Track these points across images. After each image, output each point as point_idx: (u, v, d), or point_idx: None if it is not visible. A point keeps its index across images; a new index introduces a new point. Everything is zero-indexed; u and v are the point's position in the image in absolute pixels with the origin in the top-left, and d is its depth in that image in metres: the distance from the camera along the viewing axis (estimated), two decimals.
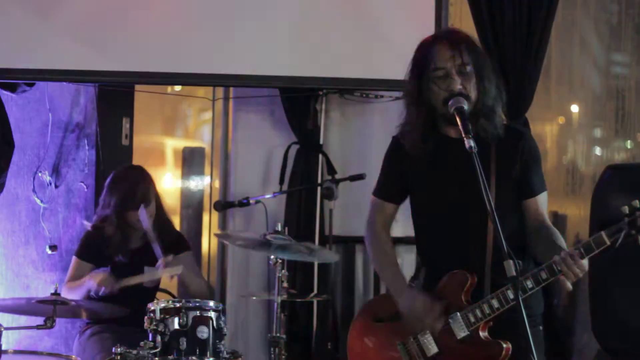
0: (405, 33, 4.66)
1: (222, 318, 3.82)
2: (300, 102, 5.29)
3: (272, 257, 4.27)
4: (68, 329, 5.01)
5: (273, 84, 4.96)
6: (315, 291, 5.15)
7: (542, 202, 3.26)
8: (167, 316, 3.73)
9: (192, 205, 6.22)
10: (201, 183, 6.16)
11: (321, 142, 5.38)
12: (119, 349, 3.69)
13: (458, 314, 3.15)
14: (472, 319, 3.13)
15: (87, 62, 4.68)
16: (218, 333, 3.79)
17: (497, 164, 3.20)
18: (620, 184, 4.40)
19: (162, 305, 3.77)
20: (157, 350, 3.68)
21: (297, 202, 5.30)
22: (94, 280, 4.29)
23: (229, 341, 4.04)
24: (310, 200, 5.31)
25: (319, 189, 5.28)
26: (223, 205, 5.36)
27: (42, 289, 4.93)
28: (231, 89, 5.55)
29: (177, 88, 5.78)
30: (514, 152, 3.23)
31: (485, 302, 3.11)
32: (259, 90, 5.35)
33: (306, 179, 5.31)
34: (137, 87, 5.35)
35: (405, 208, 3.41)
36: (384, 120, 5.17)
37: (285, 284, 4.33)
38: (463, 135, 2.98)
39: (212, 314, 3.79)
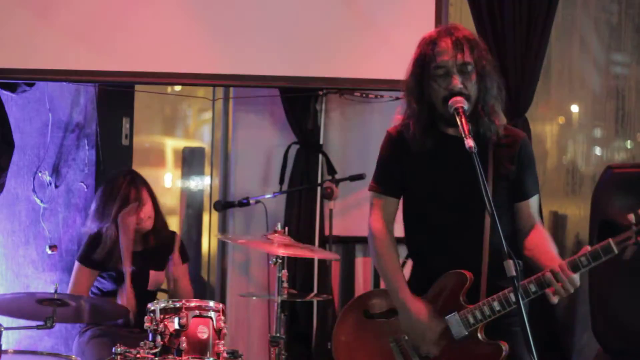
0: (405, 33, 4.66)
1: (222, 318, 3.83)
2: (300, 102, 5.29)
3: (272, 257, 4.28)
4: (68, 329, 5.01)
5: (273, 84, 4.96)
6: (315, 291, 5.14)
7: (535, 205, 3.28)
8: (167, 316, 3.73)
9: (192, 205, 6.22)
10: (201, 183, 6.16)
11: (321, 142, 5.38)
12: (119, 349, 3.70)
13: (457, 314, 3.15)
14: (472, 320, 3.12)
15: (87, 62, 4.68)
16: (218, 333, 3.79)
17: (495, 164, 3.20)
18: (620, 184, 4.40)
19: (162, 305, 3.77)
20: (157, 350, 3.68)
21: (297, 202, 5.30)
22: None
23: (229, 341, 4.04)
24: (310, 200, 5.31)
25: (319, 189, 5.28)
26: (223, 205, 5.36)
27: (42, 289, 4.93)
28: (231, 89, 5.55)
29: (177, 88, 5.78)
30: (512, 154, 3.23)
31: (486, 304, 3.11)
32: (259, 90, 5.35)
33: (306, 179, 5.31)
34: (137, 87, 5.35)
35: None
36: (384, 120, 5.15)
37: (285, 284, 4.33)
38: (463, 135, 2.96)
39: (212, 314, 3.79)
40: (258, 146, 5.49)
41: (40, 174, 5.12)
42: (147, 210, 4.50)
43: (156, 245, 4.56)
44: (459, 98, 3.09)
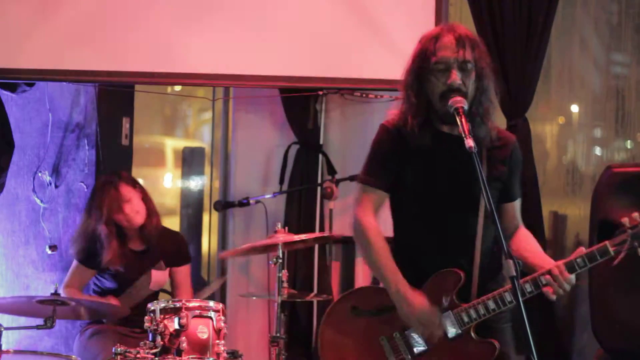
0: (405, 33, 4.66)
1: (222, 318, 3.83)
2: (300, 102, 5.29)
3: (272, 257, 4.28)
4: (68, 328, 5.01)
5: (273, 84, 4.96)
6: (315, 291, 5.14)
7: (519, 207, 3.34)
8: (167, 316, 3.73)
9: (192, 205, 6.22)
10: (201, 183, 6.16)
11: (321, 142, 5.38)
12: (119, 349, 3.70)
13: (451, 312, 3.15)
14: (466, 319, 3.13)
15: (87, 62, 4.68)
16: (218, 333, 3.79)
17: (488, 166, 3.21)
18: (620, 184, 4.40)
19: (162, 305, 3.78)
20: (157, 350, 3.68)
21: (297, 202, 5.30)
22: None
23: (229, 341, 4.04)
24: (310, 200, 5.31)
25: (319, 189, 5.28)
26: (223, 205, 5.36)
27: (42, 289, 4.93)
28: (231, 89, 5.55)
29: (177, 88, 5.78)
30: (504, 156, 3.25)
31: (481, 303, 3.12)
32: (259, 90, 5.35)
33: (306, 179, 5.31)
34: (137, 87, 5.35)
35: None
36: (384, 120, 5.17)
37: (285, 284, 4.33)
38: (463, 135, 2.96)
39: (212, 314, 3.79)
40: (258, 146, 5.49)
41: (40, 174, 5.12)
42: (134, 205, 4.50)
43: (157, 245, 4.57)
44: (459, 98, 3.08)
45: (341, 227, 5.26)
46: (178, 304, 3.76)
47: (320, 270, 5.28)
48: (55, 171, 5.16)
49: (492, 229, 2.97)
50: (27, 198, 5.12)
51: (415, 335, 3.17)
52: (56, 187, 5.16)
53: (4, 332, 3.67)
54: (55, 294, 3.76)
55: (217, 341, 3.78)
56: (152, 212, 4.58)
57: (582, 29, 5.51)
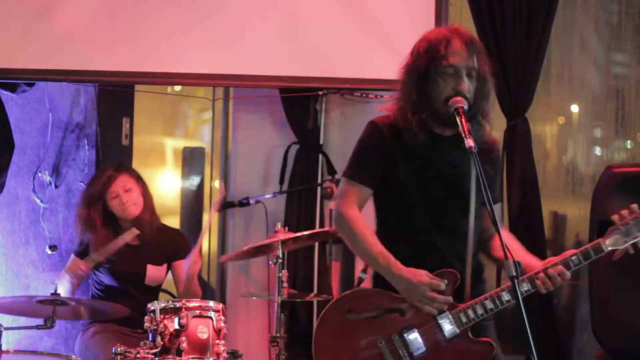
0: (405, 33, 4.65)
1: (222, 318, 3.83)
2: (300, 102, 5.28)
3: (272, 257, 4.29)
4: (68, 329, 5.01)
5: (273, 84, 4.96)
6: (315, 291, 5.14)
7: (499, 211, 3.43)
8: (167, 316, 3.74)
9: (192, 205, 6.22)
10: (201, 183, 6.16)
11: (321, 142, 5.37)
12: (119, 349, 3.70)
13: (449, 312, 3.14)
14: (464, 319, 3.13)
15: (87, 62, 4.68)
16: (218, 333, 3.79)
17: (476, 165, 3.15)
18: (620, 184, 4.40)
19: (162, 305, 3.78)
20: (157, 350, 3.68)
21: (297, 202, 5.30)
22: (68, 271, 4.39)
23: (229, 341, 4.04)
24: (310, 200, 5.31)
25: (319, 189, 5.28)
26: (223, 205, 5.36)
27: (42, 289, 4.93)
28: (231, 89, 5.54)
29: (177, 88, 5.78)
30: (490, 159, 3.28)
31: (478, 303, 3.13)
32: (259, 90, 5.34)
33: (306, 179, 5.31)
34: (137, 87, 5.35)
35: None
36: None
37: (285, 284, 4.33)
38: (463, 135, 2.98)
39: (212, 314, 3.79)
40: (258, 146, 5.49)
41: (40, 174, 5.12)
42: (133, 196, 4.52)
43: (154, 240, 4.57)
44: (459, 98, 3.09)
45: None
46: (178, 304, 3.76)
47: (320, 270, 5.28)
48: (55, 171, 5.16)
49: (479, 230, 3.11)
50: (27, 198, 5.12)
51: (414, 338, 3.15)
52: (56, 187, 5.16)
53: (4, 332, 3.67)
54: (55, 294, 3.76)
55: (217, 341, 3.78)
56: (149, 208, 4.59)
57: (582, 29, 5.52)
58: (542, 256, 4.83)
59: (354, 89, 5.22)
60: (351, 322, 3.18)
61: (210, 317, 3.78)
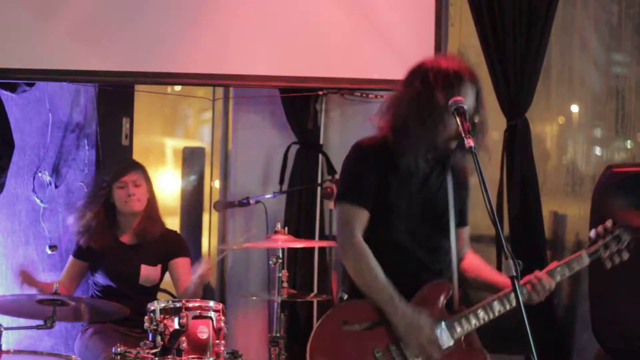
0: (405, 33, 4.67)
1: (222, 318, 3.83)
2: (300, 102, 5.29)
3: (272, 257, 4.29)
4: (68, 329, 5.01)
5: (273, 84, 4.96)
6: (315, 291, 5.15)
7: (468, 232, 3.49)
8: (167, 316, 3.74)
9: (192, 205, 6.22)
10: (201, 183, 6.16)
11: (321, 142, 5.38)
12: (119, 349, 3.70)
13: (444, 323, 3.18)
14: (459, 329, 3.18)
15: (87, 62, 4.68)
16: (218, 333, 3.79)
17: (454, 187, 3.32)
18: (620, 184, 4.40)
19: (162, 305, 3.78)
20: (157, 350, 3.68)
21: (297, 202, 5.30)
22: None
23: (229, 341, 4.04)
24: (310, 200, 5.31)
25: (319, 189, 5.28)
26: (223, 205, 5.36)
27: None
28: (231, 89, 5.55)
29: (177, 88, 5.78)
30: (464, 181, 3.38)
31: (471, 313, 3.19)
32: (259, 90, 5.35)
33: (306, 179, 5.31)
34: (137, 87, 5.35)
35: None
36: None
37: (285, 284, 4.33)
38: (463, 135, 3.00)
39: (212, 314, 3.79)
40: (258, 146, 5.49)
41: (40, 174, 5.12)
42: (140, 192, 4.54)
43: (150, 240, 4.57)
44: (459, 98, 3.11)
45: None
46: (178, 304, 3.76)
47: (320, 270, 5.28)
48: (55, 171, 5.16)
49: (459, 246, 3.29)
50: (27, 198, 5.12)
51: (410, 346, 3.17)
52: (56, 187, 5.16)
53: (4, 332, 3.67)
54: (56, 293, 3.76)
55: (217, 341, 3.78)
56: (154, 212, 4.61)
57: (582, 29, 5.51)
58: (542, 256, 4.87)
59: (354, 89, 5.23)
60: (347, 333, 3.17)
61: (210, 317, 3.78)
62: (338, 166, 5.29)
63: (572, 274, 3.31)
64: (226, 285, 5.54)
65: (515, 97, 4.86)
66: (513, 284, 2.76)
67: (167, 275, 4.68)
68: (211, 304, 3.84)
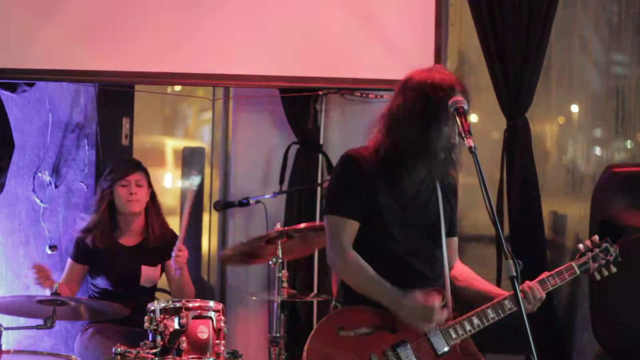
0: (405, 33, 4.67)
1: (222, 318, 3.83)
2: (300, 102, 5.28)
3: (272, 257, 4.29)
4: (68, 329, 5.01)
5: (273, 84, 4.96)
6: (315, 291, 5.14)
7: (455, 246, 3.50)
8: (167, 316, 3.73)
9: (192, 205, 6.20)
10: (201, 183, 6.16)
11: (321, 142, 5.38)
12: (119, 349, 3.70)
13: (439, 329, 3.20)
14: (454, 335, 3.21)
15: (87, 62, 4.68)
16: (218, 333, 3.79)
17: (443, 199, 3.35)
18: (620, 184, 4.40)
19: (162, 305, 3.78)
20: (157, 350, 3.68)
21: (297, 202, 5.30)
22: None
23: (229, 341, 4.04)
24: (310, 200, 5.31)
25: (319, 189, 5.28)
26: (223, 205, 5.36)
27: (42, 289, 4.93)
28: (231, 89, 5.55)
29: (177, 88, 5.78)
30: (453, 191, 3.43)
31: (465, 319, 3.22)
32: (259, 90, 5.35)
33: (306, 179, 5.31)
34: (137, 87, 5.35)
35: None
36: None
37: (285, 284, 4.33)
38: (463, 135, 3.01)
39: (212, 314, 3.79)
40: (258, 146, 5.49)
41: (40, 174, 5.12)
42: (140, 193, 4.54)
43: (152, 242, 4.58)
44: (459, 98, 3.12)
45: None
46: (178, 304, 3.76)
47: (320, 270, 5.28)
48: (55, 171, 5.16)
49: (449, 256, 3.32)
50: (27, 198, 5.11)
51: (406, 352, 3.17)
52: (56, 187, 5.16)
53: (4, 332, 3.67)
54: (55, 293, 3.76)
55: (217, 341, 3.78)
56: (154, 210, 4.62)
57: (582, 29, 5.51)
58: (542, 256, 4.87)
59: (354, 89, 5.23)
60: (343, 338, 3.19)
61: (210, 317, 3.78)
62: None
63: (561, 284, 3.36)
64: (226, 285, 5.54)
65: (515, 97, 4.86)
66: (513, 284, 2.76)
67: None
68: (211, 304, 3.83)
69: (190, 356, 3.69)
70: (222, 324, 3.81)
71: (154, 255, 4.58)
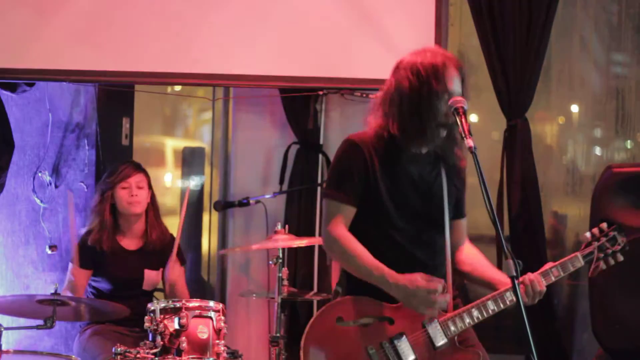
0: (405, 33, 4.67)
1: (222, 318, 3.83)
2: (300, 102, 5.28)
3: (272, 256, 4.29)
4: (68, 329, 5.01)
5: (273, 84, 4.96)
6: (315, 290, 5.15)
7: (466, 225, 3.47)
8: (167, 316, 3.74)
9: (192, 205, 6.22)
10: (201, 183, 6.16)
11: (321, 142, 5.38)
12: (119, 349, 3.70)
13: (437, 322, 3.18)
14: (453, 328, 3.19)
15: (87, 62, 4.68)
16: (218, 333, 3.79)
17: (448, 182, 3.31)
18: (620, 184, 4.40)
19: (162, 305, 3.78)
20: (157, 350, 3.68)
21: (297, 202, 5.30)
22: None
23: (229, 341, 4.04)
24: (310, 200, 5.31)
25: (319, 189, 5.28)
26: (223, 205, 5.36)
27: (42, 289, 4.93)
28: (231, 89, 5.55)
29: (177, 88, 5.78)
30: (457, 174, 3.37)
31: (465, 312, 3.19)
32: (259, 90, 5.34)
33: (306, 179, 5.31)
34: (137, 87, 5.35)
35: None
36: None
37: (285, 282, 4.33)
38: (463, 135, 3.01)
39: (212, 314, 3.79)
40: (258, 146, 5.49)
41: (40, 174, 5.12)
42: (140, 195, 4.54)
43: (152, 245, 4.58)
44: (459, 98, 3.12)
45: None
46: (178, 304, 3.76)
47: (320, 269, 5.28)
48: (55, 171, 5.16)
49: (456, 238, 3.30)
50: (27, 198, 5.12)
51: (404, 345, 3.16)
52: (56, 187, 5.16)
53: (4, 332, 3.67)
54: (55, 293, 3.76)
55: (217, 341, 3.78)
56: (154, 213, 4.62)
57: (582, 29, 5.52)
58: (542, 256, 4.87)
59: (354, 89, 5.22)
60: (341, 329, 3.18)
61: (210, 317, 3.78)
62: None
63: (565, 275, 3.31)
64: (226, 285, 5.54)
65: (515, 97, 4.86)
66: (513, 284, 2.77)
67: None
68: (211, 304, 3.84)
69: (190, 356, 3.69)
70: (222, 324, 3.81)
71: (156, 259, 4.59)
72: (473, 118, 5.51)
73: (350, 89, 5.19)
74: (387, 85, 3.32)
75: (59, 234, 5.14)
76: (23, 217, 5.12)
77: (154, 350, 3.68)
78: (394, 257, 3.22)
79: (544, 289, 3.23)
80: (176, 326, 3.70)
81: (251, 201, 5.23)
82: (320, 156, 5.35)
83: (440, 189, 3.29)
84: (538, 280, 3.22)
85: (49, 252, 5.02)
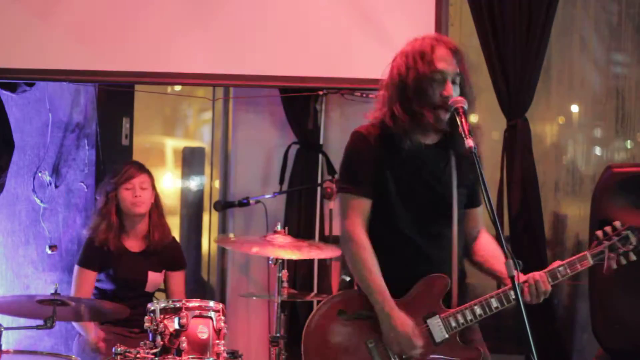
0: (405, 33, 4.64)
1: (222, 318, 3.83)
2: (300, 102, 5.29)
3: (271, 256, 4.29)
4: (68, 329, 5.01)
5: (273, 84, 4.96)
6: (315, 291, 5.15)
7: (481, 213, 3.41)
8: (167, 316, 3.74)
9: (192, 205, 6.22)
10: (201, 183, 6.16)
11: (321, 142, 5.38)
12: (119, 349, 3.70)
13: (438, 317, 3.18)
14: (454, 324, 3.18)
15: (87, 62, 4.68)
16: (218, 333, 3.79)
17: (458, 172, 3.26)
18: (620, 184, 4.40)
19: (162, 305, 3.78)
20: (157, 350, 3.68)
21: (297, 202, 5.30)
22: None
23: (229, 341, 4.04)
24: (310, 200, 5.31)
25: (319, 189, 5.28)
26: (223, 205, 5.36)
27: (42, 289, 4.93)
28: (231, 89, 5.55)
29: (177, 88, 5.78)
30: (469, 162, 3.24)
31: (467, 308, 3.18)
32: (259, 90, 5.35)
33: (306, 179, 5.31)
34: (137, 87, 5.35)
35: None
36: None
37: (285, 284, 4.32)
38: (463, 135, 3.00)
39: (212, 314, 3.79)
40: (258, 146, 5.49)
41: (40, 174, 5.12)
42: (146, 195, 4.54)
43: (154, 246, 4.58)
44: (459, 98, 3.12)
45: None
46: (178, 304, 3.76)
47: (320, 270, 5.28)
48: (55, 171, 5.16)
49: (461, 229, 3.23)
50: (27, 198, 5.11)
51: (391, 346, 3.16)
52: (56, 187, 5.16)
53: (4, 332, 3.67)
54: (56, 293, 3.76)
55: (217, 341, 3.78)
56: (158, 213, 4.62)
57: (582, 29, 5.52)
58: (542, 256, 4.87)
59: (354, 89, 5.22)
60: (341, 322, 3.20)
61: (210, 317, 3.78)
62: (338, 166, 5.29)
63: (573, 274, 3.24)
64: (226, 285, 5.54)
65: (515, 97, 4.86)
66: (513, 285, 2.76)
67: None
68: (211, 304, 3.84)
69: (190, 356, 3.69)
70: (222, 324, 3.81)
71: (159, 261, 4.59)
72: (473, 118, 5.50)
73: (350, 89, 5.19)
74: (385, 74, 3.32)
75: (59, 234, 5.14)
76: (23, 217, 5.12)
77: (154, 350, 3.68)
78: (399, 247, 3.22)
79: (550, 288, 3.19)
80: (176, 326, 3.70)
81: (251, 201, 5.23)
82: (320, 156, 5.35)
83: (449, 180, 3.24)
84: (543, 280, 3.18)
85: (49, 252, 5.02)
